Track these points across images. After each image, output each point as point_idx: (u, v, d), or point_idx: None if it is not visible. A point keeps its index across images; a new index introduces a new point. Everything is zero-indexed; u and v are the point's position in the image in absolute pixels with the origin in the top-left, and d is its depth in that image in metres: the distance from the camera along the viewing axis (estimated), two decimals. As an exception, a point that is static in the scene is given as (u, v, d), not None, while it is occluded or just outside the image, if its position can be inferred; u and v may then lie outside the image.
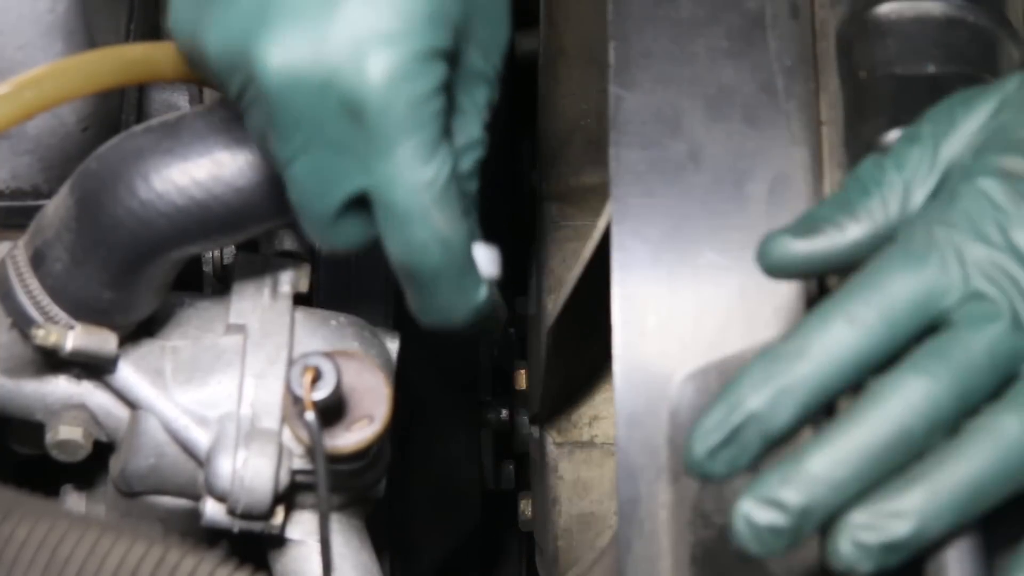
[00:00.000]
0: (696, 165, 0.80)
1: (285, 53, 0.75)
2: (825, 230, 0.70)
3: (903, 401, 0.65)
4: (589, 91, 1.06)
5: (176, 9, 0.79)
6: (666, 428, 0.77)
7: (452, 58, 0.77)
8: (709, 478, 0.67)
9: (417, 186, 0.76)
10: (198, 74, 0.81)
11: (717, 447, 0.67)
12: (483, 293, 0.81)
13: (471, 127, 0.80)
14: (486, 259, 0.81)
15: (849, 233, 0.70)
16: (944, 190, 0.69)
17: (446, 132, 0.77)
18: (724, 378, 0.75)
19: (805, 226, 0.70)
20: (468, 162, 0.80)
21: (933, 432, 0.65)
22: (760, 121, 0.80)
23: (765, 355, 0.67)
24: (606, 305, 0.78)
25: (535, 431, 1.13)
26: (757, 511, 0.66)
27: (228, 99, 0.79)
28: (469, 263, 0.80)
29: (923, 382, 0.65)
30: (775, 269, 0.70)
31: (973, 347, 0.65)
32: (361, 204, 0.78)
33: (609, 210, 0.80)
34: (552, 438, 1.10)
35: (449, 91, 0.77)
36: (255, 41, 0.75)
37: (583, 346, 1.03)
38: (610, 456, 1.08)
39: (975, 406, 0.66)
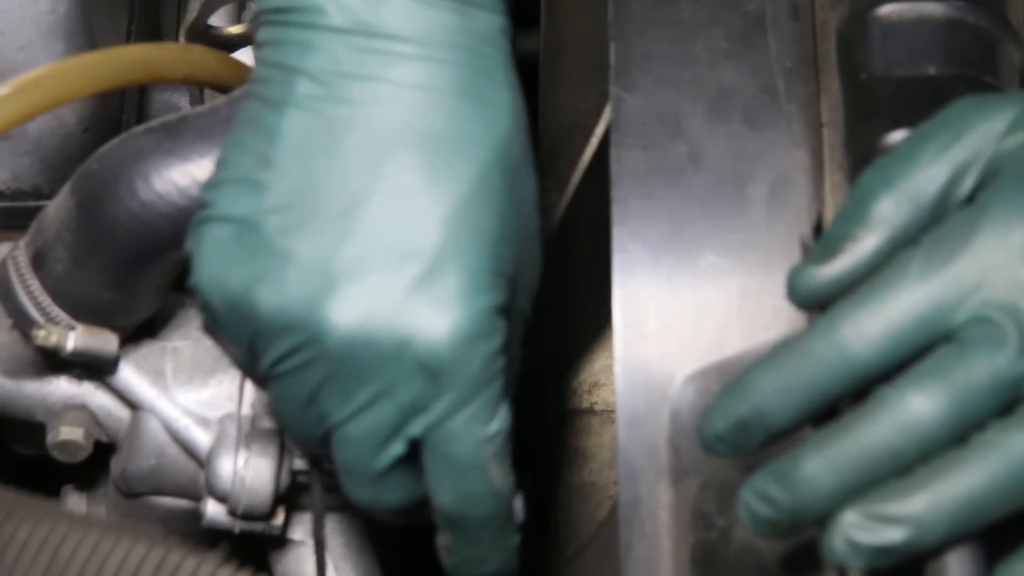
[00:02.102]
0: (696, 167, 0.80)
1: (357, 313, 0.73)
2: (844, 247, 0.69)
3: (897, 420, 0.66)
4: (589, 91, 1.06)
5: (208, 262, 0.75)
6: (667, 429, 0.77)
7: (509, 310, 0.77)
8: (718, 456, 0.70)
9: (482, 441, 0.75)
10: (236, 331, 0.76)
11: (724, 433, 0.69)
12: (516, 541, 0.80)
13: (515, 368, 0.79)
14: (519, 505, 0.80)
15: (867, 244, 0.69)
16: (978, 198, 0.69)
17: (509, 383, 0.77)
18: (725, 379, 0.75)
19: (823, 251, 0.70)
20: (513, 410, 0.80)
21: (926, 451, 0.66)
22: (761, 123, 0.80)
23: (775, 352, 0.69)
24: (605, 216, 0.78)
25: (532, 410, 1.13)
26: (754, 502, 0.68)
27: (264, 360, 0.76)
28: (511, 513, 0.79)
29: (921, 402, 0.65)
30: (808, 302, 0.70)
31: (976, 372, 0.65)
32: (407, 457, 0.76)
33: (607, 115, 0.80)
34: (551, 406, 1.10)
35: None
36: (322, 300, 0.73)
37: (583, 297, 1.03)
38: (610, 423, 1.08)
39: (974, 427, 0.66)
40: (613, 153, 0.80)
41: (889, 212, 0.69)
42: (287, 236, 0.74)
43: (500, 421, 0.76)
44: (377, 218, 0.74)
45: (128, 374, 0.92)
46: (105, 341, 0.89)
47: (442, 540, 0.80)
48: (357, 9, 0.75)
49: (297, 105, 0.75)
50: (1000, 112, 0.69)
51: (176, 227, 0.85)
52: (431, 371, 0.74)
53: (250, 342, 0.75)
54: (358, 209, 0.74)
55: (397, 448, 0.76)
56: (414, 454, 0.76)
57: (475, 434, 0.75)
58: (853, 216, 0.70)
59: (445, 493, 0.76)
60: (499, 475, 0.76)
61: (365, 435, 0.75)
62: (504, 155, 0.76)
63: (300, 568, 0.94)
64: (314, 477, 0.87)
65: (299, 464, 0.91)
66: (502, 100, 0.77)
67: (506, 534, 0.80)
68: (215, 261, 0.75)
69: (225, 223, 0.75)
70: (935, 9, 0.80)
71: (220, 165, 0.76)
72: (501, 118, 0.76)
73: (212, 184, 0.76)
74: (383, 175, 0.74)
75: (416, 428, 0.75)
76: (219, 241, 0.75)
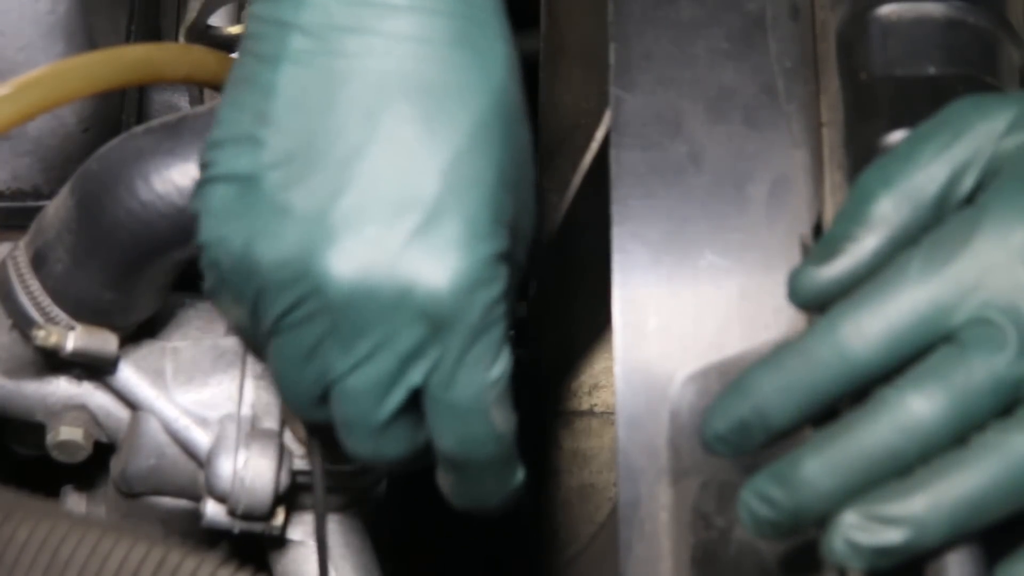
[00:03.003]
0: (696, 167, 0.80)
1: (356, 262, 0.73)
2: (844, 248, 0.70)
3: (897, 421, 0.66)
4: (589, 90, 1.06)
5: (214, 224, 0.76)
6: (667, 430, 0.77)
7: (510, 257, 0.77)
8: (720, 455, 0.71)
9: (484, 387, 0.75)
10: (240, 289, 0.77)
11: (724, 433, 0.69)
12: (520, 477, 0.81)
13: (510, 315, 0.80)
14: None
15: (867, 244, 0.69)
16: (978, 199, 0.69)
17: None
18: (725, 379, 0.76)
19: (824, 251, 0.70)
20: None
21: (926, 452, 0.66)
22: (760, 123, 0.80)
23: (775, 352, 0.69)
24: (605, 216, 0.78)
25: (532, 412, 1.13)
26: (754, 503, 0.68)
27: (267, 318, 0.76)
28: (513, 453, 0.79)
29: (921, 403, 0.66)
30: (809, 303, 0.71)
31: (976, 373, 0.65)
32: (407, 406, 0.77)
33: (607, 116, 0.80)
34: (551, 407, 1.10)
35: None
36: (321, 251, 0.73)
37: (582, 297, 1.03)
38: (609, 425, 1.08)
39: (974, 428, 0.66)
40: (613, 153, 0.80)
41: (889, 212, 0.69)
42: (286, 191, 0.74)
43: (501, 366, 0.76)
44: (375, 169, 0.74)
45: (128, 374, 0.92)
46: (105, 341, 0.89)
47: (443, 478, 0.80)
48: None
49: (292, 60, 0.75)
50: (1000, 112, 0.69)
51: (176, 227, 0.85)
52: (432, 319, 0.74)
53: (253, 300, 0.76)
54: (355, 161, 0.74)
55: (398, 397, 0.76)
56: (414, 404, 0.76)
57: (477, 380, 0.75)
58: (853, 216, 0.70)
59: (448, 439, 0.77)
60: (501, 419, 0.76)
61: (366, 386, 0.75)
62: (500, 104, 0.76)
63: (300, 568, 0.94)
64: (315, 478, 0.87)
65: (299, 464, 0.91)
66: (496, 50, 0.77)
67: (509, 473, 0.80)
68: (217, 220, 0.75)
69: (226, 182, 0.75)
70: (935, 9, 0.80)
71: (218, 124, 0.76)
72: (496, 67, 0.76)
73: (212, 144, 0.76)
74: (380, 126, 0.74)
75: (417, 377, 0.75)
76: (221, 200, 0.75)
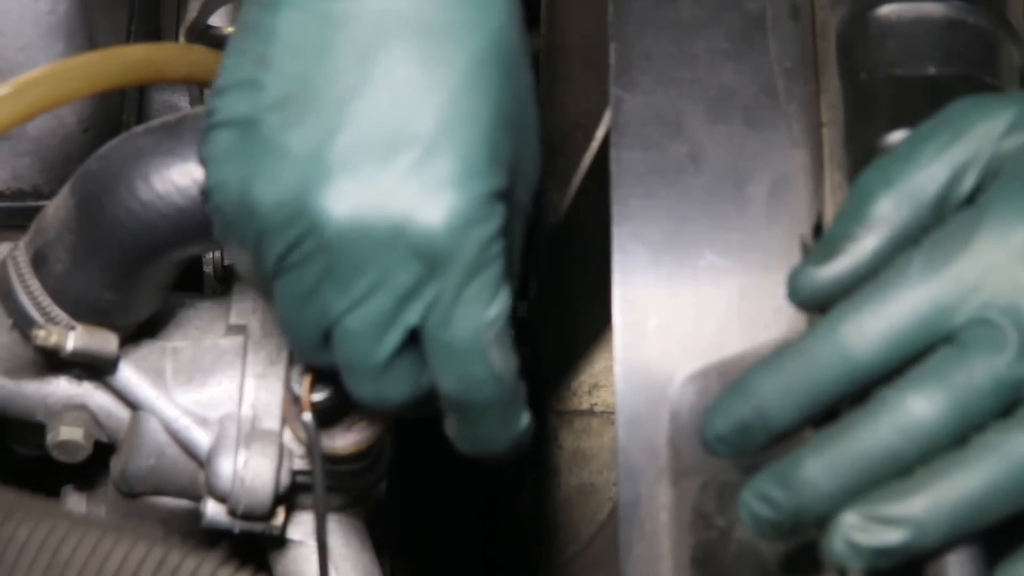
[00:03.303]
0: (696, 167, 0.80)
1: (350, 201, 0.73)
2: (844, 248, 0.70)
3: (897, 422, 0.66)
4: (589, 90, 1.06)
5: (217, 169, 0.76)
6: (667, 429, 0.77)
7: (508, 197, 0.76)
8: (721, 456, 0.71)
9: (481, 326, 0.75)
10: (243, 232, 0.77)
11: (725, 433, 0.69)
12: (526, 422, 0.80)
13: (515, 260, 0.80)
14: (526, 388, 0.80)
15: (867, 244, 0.69)
16: (978, 199, 0.69)
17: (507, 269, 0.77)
18: (725, 379, 0.76)
19: (824, 251, 0.70)
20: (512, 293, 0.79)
21: (927, 453, 0.66)
22: (760, 123, 0.80)
23: (776, 353, 0.69)
24: (605, 216, 0.78)
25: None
26: (755, 503, 0.68)
27: (268, 259, 0.76)
28: (516, 395, 0.79)
29: (921, 404, 0.66)
30: (809, 303, 0.71)
31: (976, 374, 0.65)
32: (408, 348, 0.76)
33: (607, 116, 0.80)
34: (551, 407, 1.10)
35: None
36: (316, 191, 0.73)
37: (583, 298, 1.03)
38: (610, 425, 1.08)
39: (974, 429, 0.66)
40: (613, 153, 0.80)
41: (889, 212, 0.69)
42: (283, 132, 0.74)
43: (499, 305, 0.75)
44: (370, 109, 0.74)
45: (128, 374, 0.92)
46: (105, 341, 0.89)
47: (449, 423, 0.80)
48: None
49: (291, 4, 0.75)
50: (1000, 112, 0.69)
51: (176, 227, 0.85)
52: (426, 257, 0.74)
53: (255, 242, 0.76)
54: (351, 101, 0.74)
55: (396, 336, 0.75)
56: (416, 346, 0.76)
57: (473, 319, 0.75)
58: (853, 216, 0.70)
59: (447, 379, 0.76)
60: (500, 359, 0.76)
61: (365, 326, 0.75)
62: (499, 44, 0.76)
63: (300, 568, 0.94)
64: (315, 478, 0.87)
65: (299, 464, 0.91)
66: None
67: (512, 416, 0.80)
68: (219, 164, 0.76)
69: (228, 127, 0.76)
70: (935, 9, 0.80)
71: (222, 71, 0.77)
72: (495, 8, 0.76)
73: (215, 91, 0.77)
74: (376, 67, 0.74)
75: (414, 316, 0.75)
76: (222, 144, 0.76)
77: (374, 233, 0.73)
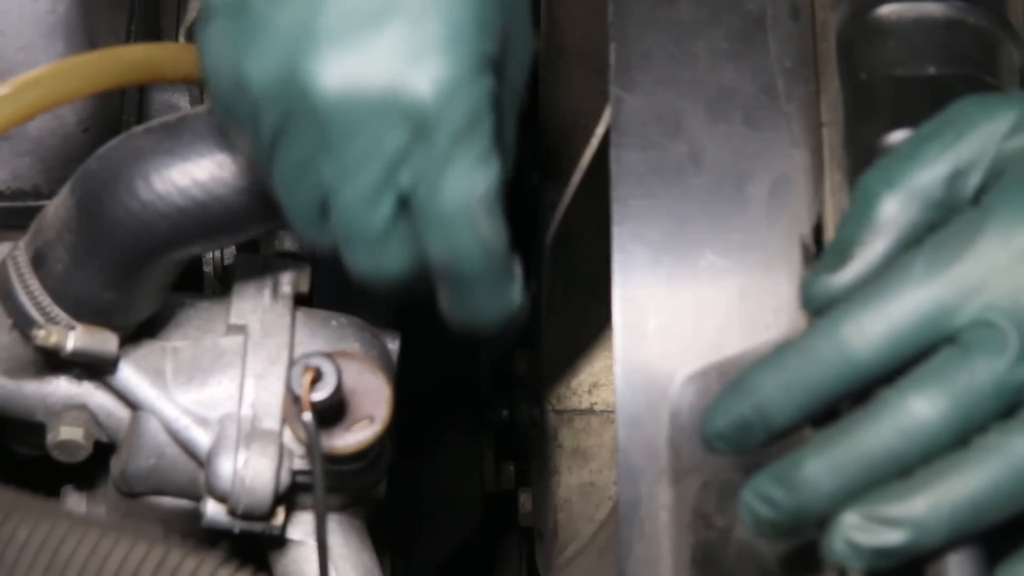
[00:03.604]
0: (696, 167, 0.80)
1: (338, 70, 0.74)
2: (854, 253, 0.70)
3: (898, 423, 0.66)
4: (589, 90, 1.06)
5: (211, 53, 0.77)
6: (667, 430, 0.77)
7: (497, 68, 0.77)
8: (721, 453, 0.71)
9: (470, 194, 0.75)
10: (238, 110, 0.78)
11: (725, 430, 0.69)
12: (518, 297, 0.80)
13: (507, 136, 0.79)
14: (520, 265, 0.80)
15: (876, 247, 0.69)
16: (981, 200, 0.69)
17: (496, 140, 0.77)
18: (725, 379, 0.76)
19: (834, 257, 0.70)
20: (505, 169, 0.80)
21: (927, 454, 0.66)
22: (760, 123, 0.80)
23: (776, 351, 0.69)
24: (605, 216, 0.78)
25: (534, 412, 1.13)
26: (755, 503, 0.68)
27: (264, 137, 0.77)
28: (508, 269, 0.79)
29: (922, 405, 0.66)
30: (824, 310, 0.70)
31: (978, 375, 0.65)
32: (402, 219, 0.77)
33: (607, 115, 0.80)
34: (551, 405, 1.10)
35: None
36: (304, 62, 0.74)
37: (583, 300, 1.03)
38: (610, 423, 1.09)
39: (975, 430, 0.66)
40: (613, 153, 0.80)
41: (895, 213, 0.69)
42: (272, 8, 0.75)
43: (488, 175, 0.75)
44: None
45: (128, 374, 0.92)
46: (105, 341, 0.89)
47: (442, 295, 0.80)
48: None
49: None
50: (1003, 112, 0.69)
51: (176, 227, 0.85)
52: (415, 122, 0.74)
53: (250, 119, 0.76)
54: None
55: (388, 202, 0.76)
56: (410, 219, 0.77)
57: (462, 187, 0.75)
58: (860, 219, 0.70)
59: (436, 249, 0.77)
60: (489, 229, 0.76)
61: (357, 195, 0.76)
62: None
63: (300, 568, 0.94)
64: (315, 478, 0.87)
65: (299, 464, 0.91)
66: None
67: (503, 289, 0.80)
68: (214, 48, 0.77)
69: (222, 12, 0.76)
70: (935, 9, 0.80)
71: None
72: None
73: None
74: None
75: (404, 181, 0.75)
76: (216, 30, 0.76)
77: (363, 100, 0.74)
